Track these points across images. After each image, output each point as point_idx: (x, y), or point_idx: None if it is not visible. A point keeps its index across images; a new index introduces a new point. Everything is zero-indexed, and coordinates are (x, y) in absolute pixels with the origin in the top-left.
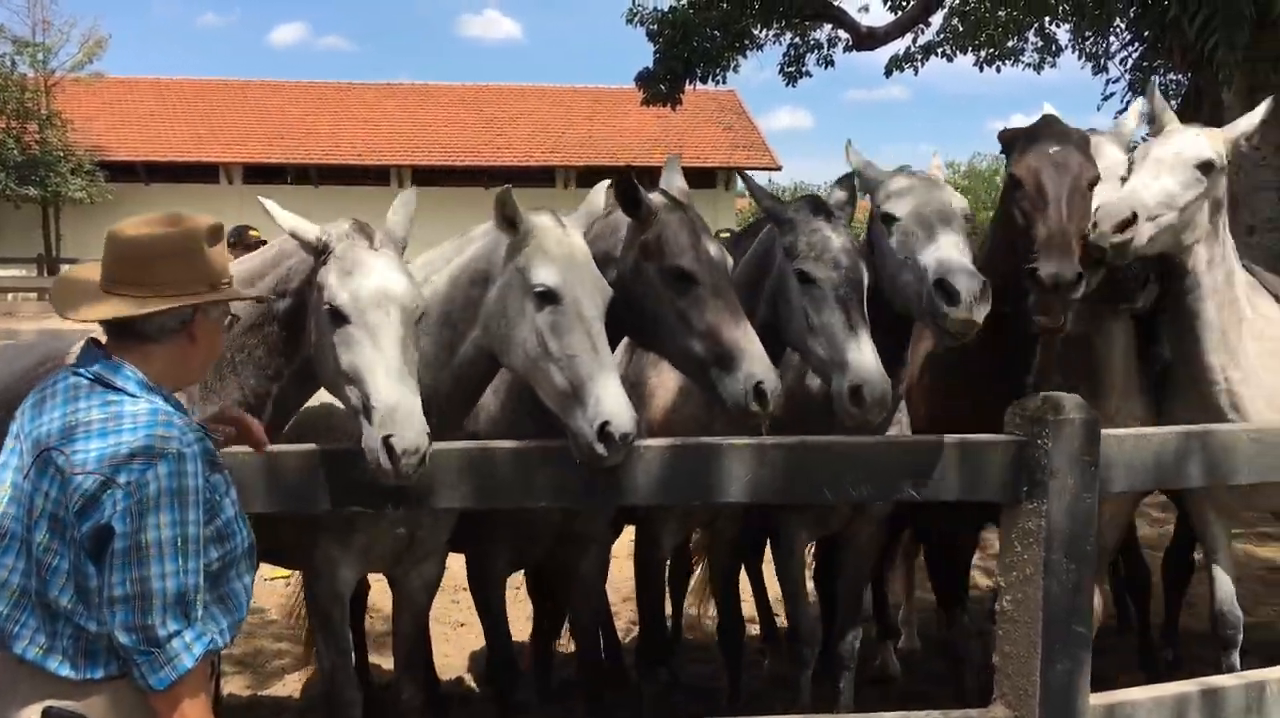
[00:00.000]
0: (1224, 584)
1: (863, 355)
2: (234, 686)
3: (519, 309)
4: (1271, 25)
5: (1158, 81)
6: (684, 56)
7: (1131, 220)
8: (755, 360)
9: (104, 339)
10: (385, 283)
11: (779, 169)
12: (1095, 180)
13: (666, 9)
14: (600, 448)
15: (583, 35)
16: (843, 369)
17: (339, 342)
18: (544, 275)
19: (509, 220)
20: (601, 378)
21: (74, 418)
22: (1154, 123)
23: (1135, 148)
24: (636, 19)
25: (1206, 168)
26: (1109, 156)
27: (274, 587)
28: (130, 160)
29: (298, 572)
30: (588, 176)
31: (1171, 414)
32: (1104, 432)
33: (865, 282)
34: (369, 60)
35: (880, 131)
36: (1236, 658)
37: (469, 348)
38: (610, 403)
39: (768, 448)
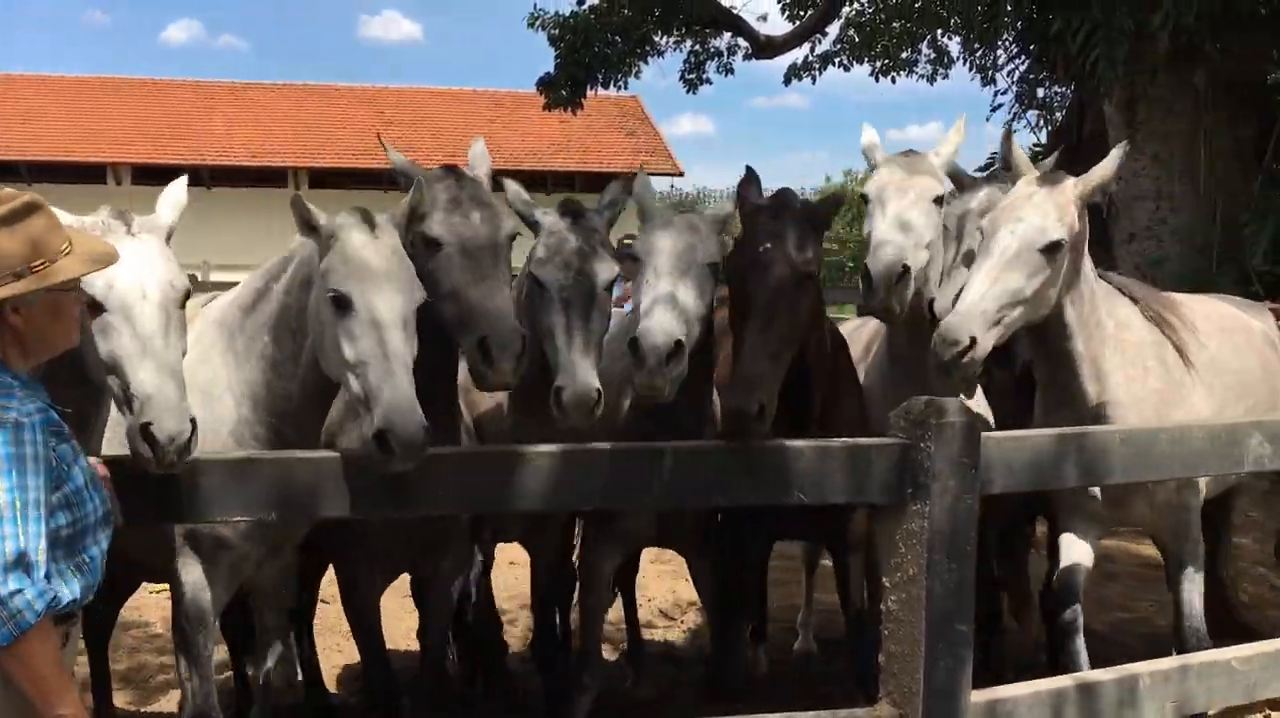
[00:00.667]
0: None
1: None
2: (119, 700)
3: (326, 315)
4: (1150, 39)
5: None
6: (585, 62)
7: (971, 345)
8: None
9: None
10: (139, 271)
11: (681, 175)
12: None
13: (568, 14)
14: (378, 455)
15: (484, 38)
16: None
17: (97, 331)
18: (336, 281)
19: (307, 225)
20: (388, 386)
21: None
22: (1009, 168)
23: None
24: (538, 23)
25: (1054, 249)
26: (920, 185)
27: (158, 600)
28: (11, 159)
29: None
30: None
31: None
32: (984, 434)
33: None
34: (265, 60)
35: (780, 139)
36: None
37: (308, 355)
38: (390, 412)
39: (660, 453)
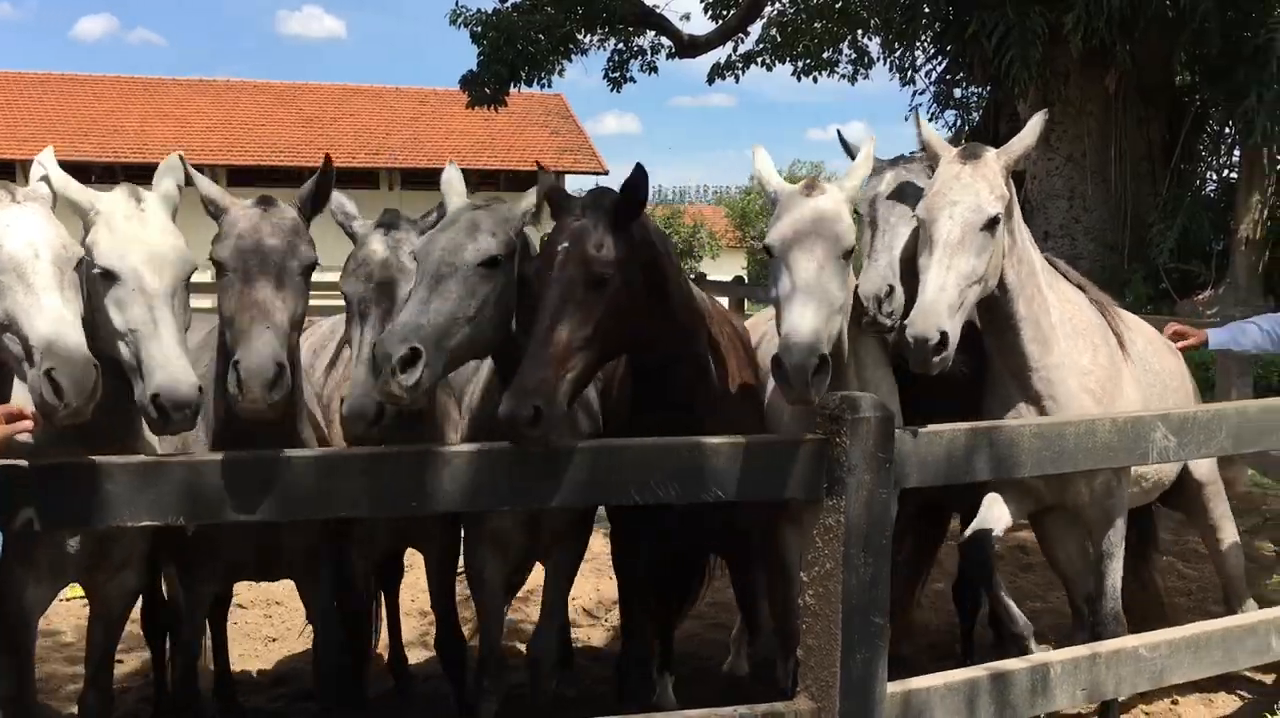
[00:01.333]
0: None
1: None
2: None
3: (95, 290)
4: (1063, 42)
5: (926, 111)
6: (508, 60)
7: (943, 344)
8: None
9: None
10: (29, 231)
11: (606, 173)
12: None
13: (490, 11)
14: (155, 416)
15: (407, 35)
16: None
17: None
18: (101, 254)
19: (71, 202)
20: (158, 349)
21: None
22: (927, 150)
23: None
24: (460, 20)
25: (993, 224)
26: (828, 238)
27: (70, 607)
28: None
29: None
30: (413, 179)
31: (990, 410)
32: (898, 429)
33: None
34: (182, 55)
35: (705, 137)
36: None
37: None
38: (161, 375)
39: (576, 451)
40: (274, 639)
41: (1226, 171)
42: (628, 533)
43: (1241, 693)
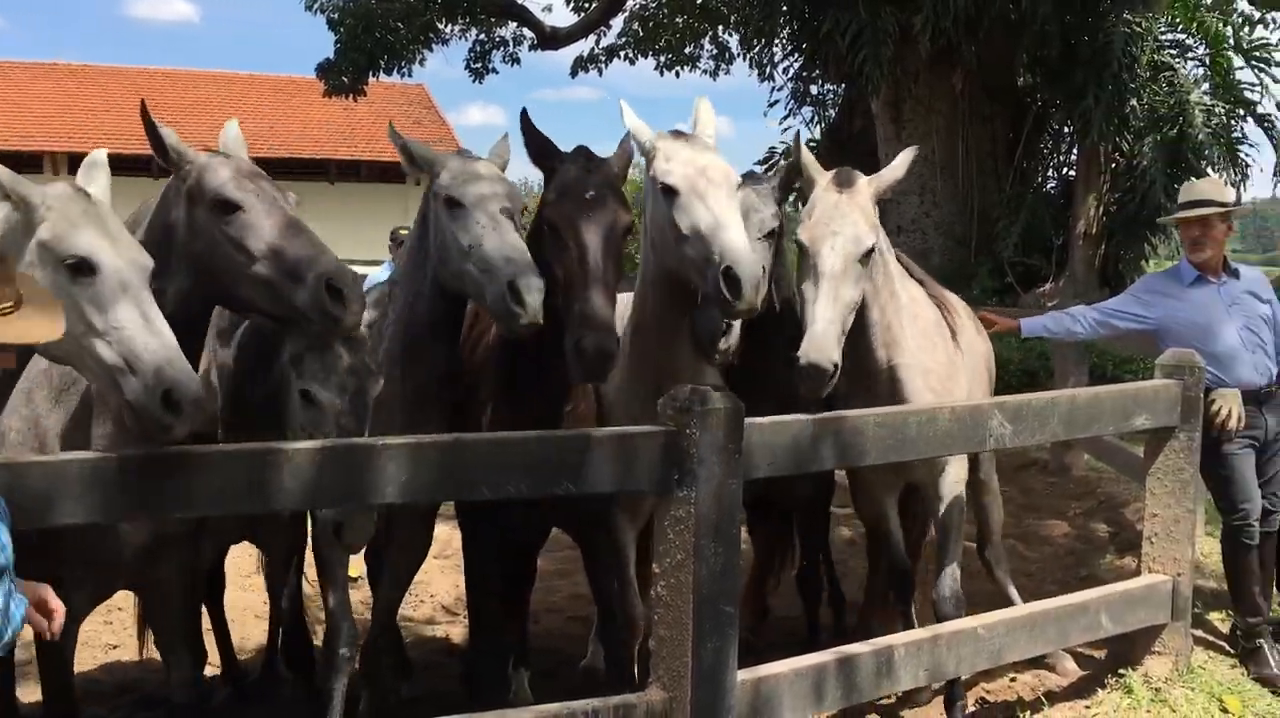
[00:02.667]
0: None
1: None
2: None
3: (50, 287)
4: (913, 42)
5: (790, 118)
6: (367, 48)
7: (836, 372)
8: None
9: None
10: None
11: None
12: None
13: None
14: (164, 416)
15: (263, 21)
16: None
17: None
18: (75, 244)
19: (8, 196)
20: (161, 347)
21: None
22: (803, 175)
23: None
24: (316, 6)
25: (869, 254)
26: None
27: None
28: None
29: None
30: (268, 169)
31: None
32: (747, 420)
33: None
34: (23, 37)
35: (571, 130)
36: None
37: None
38: (168, 370)
39: (425, 447)
40: (115, 647)
41: (1066, 169)
42: (471, 525)
43: (1074, 667)
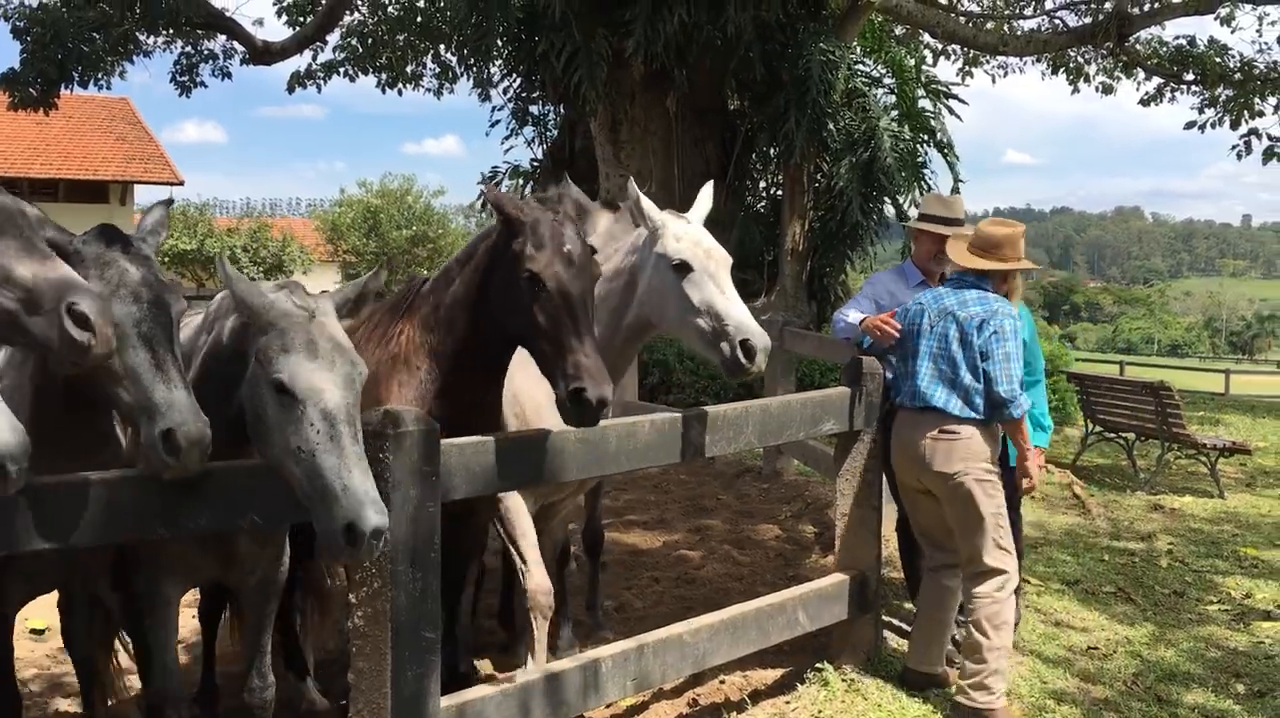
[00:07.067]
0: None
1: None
2: None
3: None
4: (627, 65)
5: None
6: (57, 58)
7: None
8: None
9: None
10: None
11: (182, 183)
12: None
13: (35, 4)
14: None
15: None
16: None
17: None
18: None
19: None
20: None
21: None
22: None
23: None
24: (1, 13)
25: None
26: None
27: None
28: None
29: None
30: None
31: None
32: (444, 442)
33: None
34: None
35: (294, 147)
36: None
37: None
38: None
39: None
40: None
41: (774, 189)
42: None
43: (777, 666)
